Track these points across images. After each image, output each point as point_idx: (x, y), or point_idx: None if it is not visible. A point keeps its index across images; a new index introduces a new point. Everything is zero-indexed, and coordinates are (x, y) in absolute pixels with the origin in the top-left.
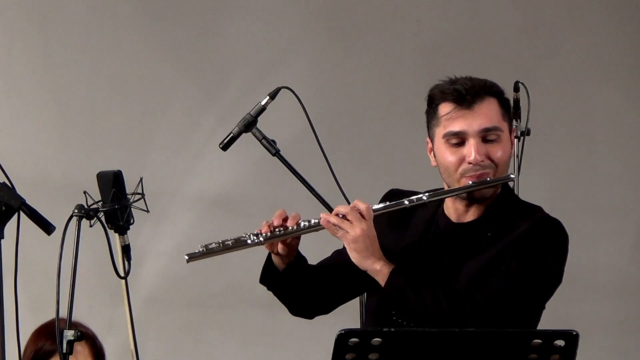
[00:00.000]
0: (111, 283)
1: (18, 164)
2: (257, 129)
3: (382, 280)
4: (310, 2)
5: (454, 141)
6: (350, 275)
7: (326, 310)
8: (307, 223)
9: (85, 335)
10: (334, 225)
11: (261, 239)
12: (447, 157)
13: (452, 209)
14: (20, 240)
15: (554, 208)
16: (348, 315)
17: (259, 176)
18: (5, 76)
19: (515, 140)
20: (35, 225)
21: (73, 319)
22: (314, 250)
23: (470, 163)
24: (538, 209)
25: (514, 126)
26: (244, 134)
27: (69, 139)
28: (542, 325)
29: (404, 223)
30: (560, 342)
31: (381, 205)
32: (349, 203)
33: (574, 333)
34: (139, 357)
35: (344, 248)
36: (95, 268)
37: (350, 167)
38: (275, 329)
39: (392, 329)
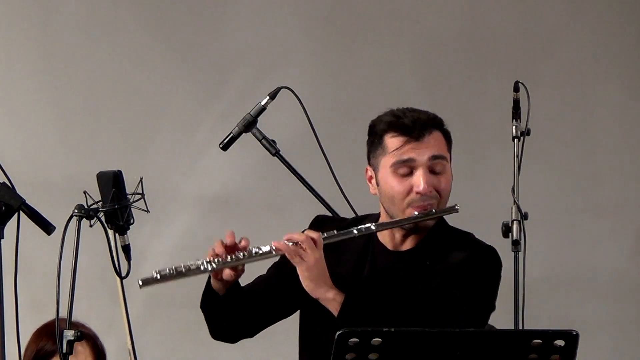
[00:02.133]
0: (111, 283)
1: (18, 164)
2: (257, 129)
3: (334, 308)
4: (310, 2)
5: (402, 171)
6: (278, 299)
7: (251, 334)
8: (258, 250)
9: (86, 336)
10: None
11: (214, 265)
12: (394, 187)
13: (389, 237)
14: (20, 240)
15: (554, 208)
16: None
17: (259, 176)
18: (5, 76)
19: (515, 140)
20: (35, 225)
21: (73, 319)
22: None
23: (418, 193)
24: (470, 235)
25: (515, 125)
26: (244, 134)
27: (69, 139)
28: (542, 325)
29: (337, 250)
30: (560, 342)
31: (330, 234)
32: (348, 203)
33: (574, 333)
34: (139, 357)
35: (270, 273)
36: (95, 268)
37: (350, 167)
38: (275, 329)
39: (392, 329)
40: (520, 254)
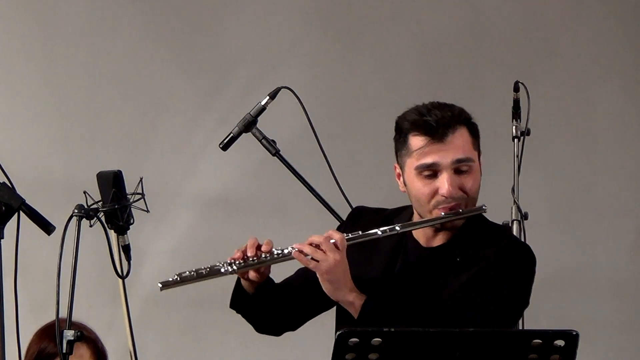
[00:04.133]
0: (111, 283)
1: (18, 164)
2: (257, 129)
3: (354, 312)
4: (310, 2)
5: (427, 173)
6: (318, 293)
7: (293, 327)
8: (280, 252)
9: (87, 337)
10: (307, 255)
11: (234, 267)
12: (419, 189)
13: (421, 232)
14: (20, 240)
15: (554, 208)
16: None
17: (259, 176)
18: (5, 76)
19: (515, 140)
20: (35, 225)
21: (73, 319)
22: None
23: (443, 196)
24: (506, 230)
25: (513, 125)
26: (244, 134)
27: (69, 139)
28: (542, 325)
29: (371, 244)
30: (560, 342)
31: (354, 235)
32: (348, 203)
33: (574, 333)
34: (140, 357)
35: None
36: (95, 268)
37: (350, 167)
38: None
39: (392, 329)
40: None
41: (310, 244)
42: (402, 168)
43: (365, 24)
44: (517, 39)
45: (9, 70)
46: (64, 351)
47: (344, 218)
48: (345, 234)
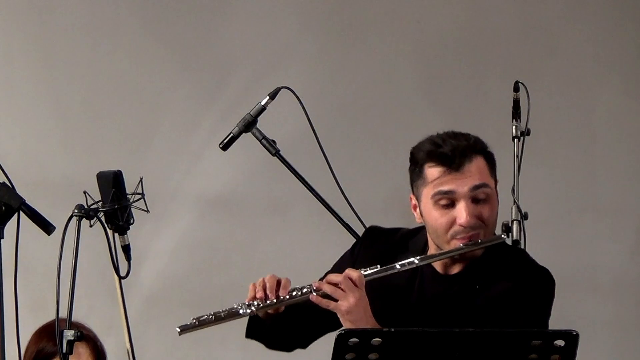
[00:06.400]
0: (111, 283)
1: (18, 164)
2: (257, 129)
3: None
4: (309, 2)
5: (444, 202)
6: (329, 314)
7: (304, 346)
8: (299, 292)
9: (87, 337)
10: (327, 294)
11: (253, 309)
12: (436, 219)
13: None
14: (20, 240)
15: (554, 208)
16: None
17: (259, 176)
18: (5, 76)
19: (515, 140)
20: (35, 225)
21: (73, 319)
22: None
23: (461, 225)
24: (523, 254)
25: (514, 126)
26: (244, 134)
27: (69, 139)
28: None
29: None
30: (560, 342)
31: (372, 271)
32: (348, 203)
33: (574, 333)
34: (140, 357)
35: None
36: (95, 268)
37: (350, 167)
38: None
39: (392, 329)
40: None
41: (329, 283)
42: (418, 199)
43: (365, 24)
44: (517, 39)
45: (9, 70)
46: (64, 351)
47: (344, 218)
48: (363, 270)
